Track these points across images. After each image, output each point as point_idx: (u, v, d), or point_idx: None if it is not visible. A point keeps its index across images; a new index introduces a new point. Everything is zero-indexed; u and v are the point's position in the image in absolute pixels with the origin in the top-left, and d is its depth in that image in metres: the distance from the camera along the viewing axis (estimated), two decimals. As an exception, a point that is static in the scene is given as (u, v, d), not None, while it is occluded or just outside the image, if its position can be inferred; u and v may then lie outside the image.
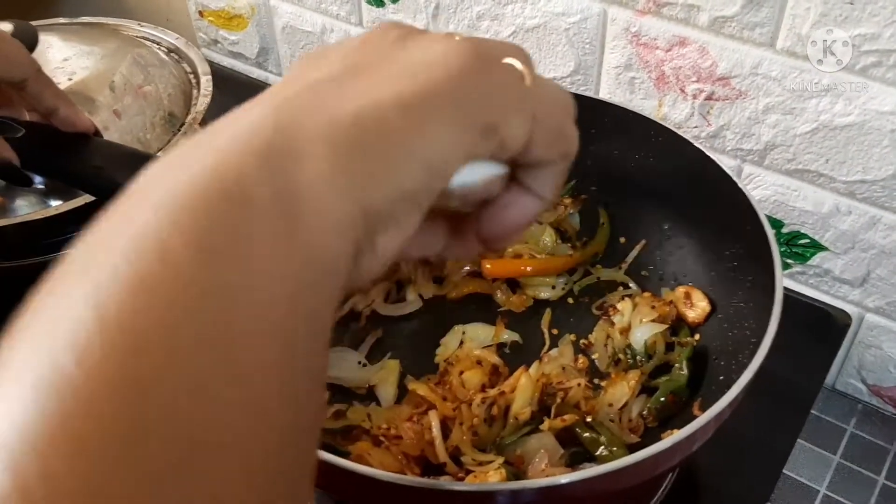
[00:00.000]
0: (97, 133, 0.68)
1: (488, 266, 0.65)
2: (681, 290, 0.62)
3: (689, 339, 0.59)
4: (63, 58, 0.83)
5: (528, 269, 0.66)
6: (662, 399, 0.56)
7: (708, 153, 0.62)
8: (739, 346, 0.54)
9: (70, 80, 0.80)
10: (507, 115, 0.29)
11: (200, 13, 1.05)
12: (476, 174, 0.30)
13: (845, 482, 0.75)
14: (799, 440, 0.78)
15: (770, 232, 0.54)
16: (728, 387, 0.48)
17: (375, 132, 0.26)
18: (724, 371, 0.55)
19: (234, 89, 1.02)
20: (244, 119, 0.25)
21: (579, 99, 0.67)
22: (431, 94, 0.27)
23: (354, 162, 0.25)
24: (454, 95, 0.27)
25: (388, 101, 0.26)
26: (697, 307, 0.61)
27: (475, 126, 0.28)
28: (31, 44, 0.79)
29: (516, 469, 0.52)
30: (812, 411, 0.81)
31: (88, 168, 0.61)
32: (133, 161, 0.62)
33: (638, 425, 0.56)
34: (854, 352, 0.79)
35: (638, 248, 0.67)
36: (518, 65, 0.30)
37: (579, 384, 0.57)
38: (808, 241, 0.75)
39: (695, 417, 0.46)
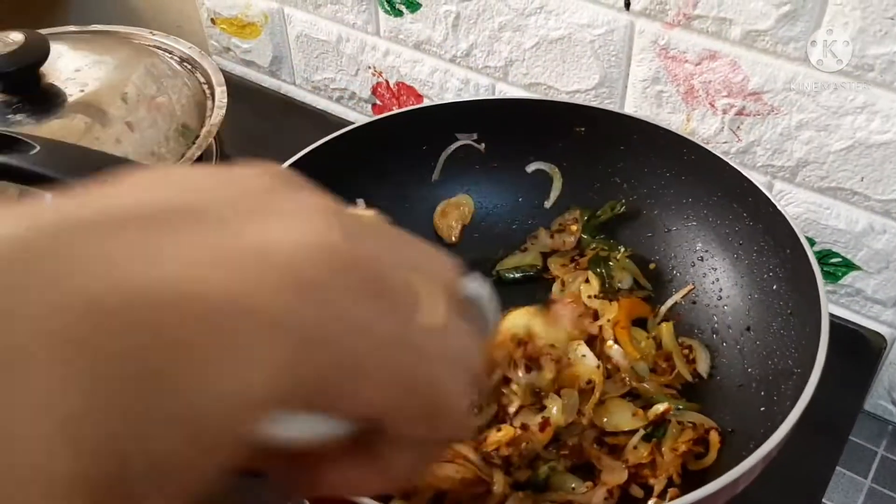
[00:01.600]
0: None
1: None
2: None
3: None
4: (75, 68, 0.81)
5: None
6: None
7: (742, 172, 0.60)
8: (781, 377, 0.52)
9: (82, 91, 0.78)
10: (357, 374, 0.21)
11: (213, 21, 1.03)
12: (298, 428, 0.22)
13: (877, 507, 0.73)
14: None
15: (812, 257, 0.52)
16: (773, 420, 0.46)
17: (152, 341, 0.18)
18: (765, 402, 0.53)
19: (246, 98, 1.00)
20: None
21: (608, 115, 0.66)
22: (255, 309, 0.19)
23: (98, 394, 0.17)
24: (287, 321, 0.19)
25: (195, 294, 0.18)
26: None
27: (300, 375, 0.20)
28: (42, 55, 0.77)
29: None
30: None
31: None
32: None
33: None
34: (885, 372, 0.77)
35: (682, 293, 0.64)
36: (424, 291, 0.22)
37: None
38: (839, 259, 0.73)
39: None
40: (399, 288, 0.22)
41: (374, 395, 0.21)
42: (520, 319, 0.54)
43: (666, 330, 0.61)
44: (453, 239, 0.70)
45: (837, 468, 0.75)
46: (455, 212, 0.71)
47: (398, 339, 0.21)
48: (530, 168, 0.69)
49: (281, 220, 0.21)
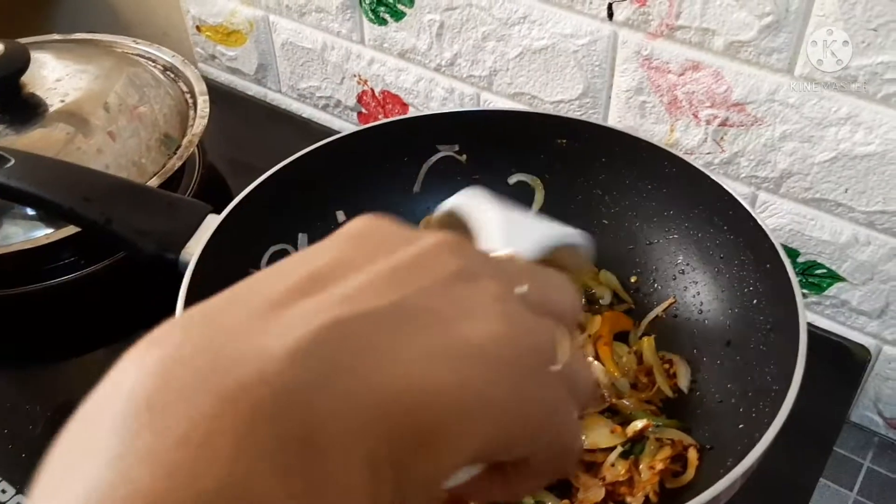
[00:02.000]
0: None
1: None
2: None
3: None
4: (56, 78, 0.80)
5: None
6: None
7: (724, 185, 0.59)
8: (760, 393, 0.52)
9: (62, 101, 0.77)
10: (532, 437, 0.25)
11: (198, 28, 1.02)
12: (466, 473, 0.26)
13: (863, 520, 0.73)
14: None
15: (792, 273, 0.52)
16: (751, 437, 0.46)
17: (430, 430, 0.22)
18: (743, 419, 0.52)
19: (231, 105, 1.00)
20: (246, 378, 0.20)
21: (589, 127, 0.66)
22: (478, 395, 0.23)
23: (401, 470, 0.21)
24: (494, 404, 0.23)
25: (437, 388, 0.22)
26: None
27: (495, 445, 0.24)
28: (22, 64, 0.77)
29: None
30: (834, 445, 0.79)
31: (76, 199, 0.59)
32: (119, 191, 0.60)
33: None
34: (871, 384, 0.77)
35: (663, 306, 0.63)
36: (559, 335, 0.26)
37: None
38: (824, 271, 0.72)
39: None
40: (549, 351, 0.26)
41: (532, 448, 0.26)
42: None
43: (647, 344, 0.60)
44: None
45: (823, 480, 0.75)
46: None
47: (554, 403, 0.26)
48: (512, 180, 0.69)
49: (475, 318, 0.24)
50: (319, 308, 0.22)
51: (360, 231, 0.26)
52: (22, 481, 0.59)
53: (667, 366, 0.59)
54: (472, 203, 0.42)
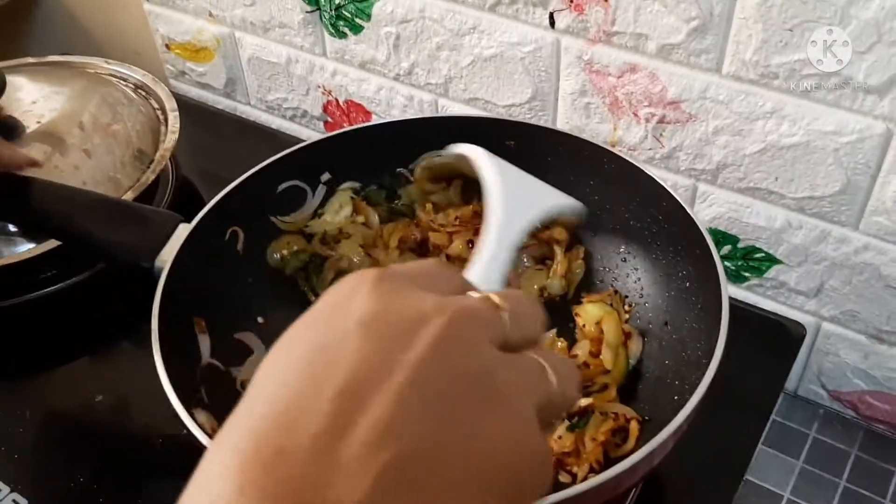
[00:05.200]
0: (36, 164, 0.70)
1: None
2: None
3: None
4: (32, 100, 0.84)
5: None
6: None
7: (658, 179, 0.64)
8: (691, 367, 0.57)
9: (38, 123, 0.81)
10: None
11: (167, 46, 1.07)
12: None
13: (808, 486, 0.78)
14: (764, 447, 0.81)
15: (717, 256, 0.56)
16: (682, 406, 0.50)
17: None
18: (678, 391, 0.57)
19: (203, 119, 1.04)
20: None
21: (536, 129, 0.70)
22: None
23: None
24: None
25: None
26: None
27: None
28: None
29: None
30: (776, 418, 0.84)
31: (57, 215, 0.63)
32: (96, 206, 0.64)
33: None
34: (813, 359, 0.82)
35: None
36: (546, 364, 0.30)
37: None
38: (763, 255, 0.77)
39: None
40: (547, 391, 0.30)
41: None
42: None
43: (612, 318, 0.64)
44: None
45: (771, 450, 0.80)
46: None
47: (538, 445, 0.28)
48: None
49: (496, 425, 0.26)
50: (370, 451, 0.23)
51: (370, 316, 0.27)
52: (16, 480, 0.63)
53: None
54: (480, 157, 0.54)
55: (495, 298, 0.30)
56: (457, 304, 0.28)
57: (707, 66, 0.69)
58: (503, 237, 0.50)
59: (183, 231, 0.62)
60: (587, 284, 0.70)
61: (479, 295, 0.31)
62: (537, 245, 0.71)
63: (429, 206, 0.73)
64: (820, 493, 0.77)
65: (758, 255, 0.78)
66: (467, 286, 0.32)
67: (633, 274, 0.67)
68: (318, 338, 0.27)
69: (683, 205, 0.61)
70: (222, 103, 1.08)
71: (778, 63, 0.66)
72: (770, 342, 0.74)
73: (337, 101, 0.97)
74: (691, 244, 0.60)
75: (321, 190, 0.73)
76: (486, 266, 0.46)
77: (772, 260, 0.77)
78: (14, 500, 0.62)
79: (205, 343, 0.59)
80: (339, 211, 0.73)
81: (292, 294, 0.69)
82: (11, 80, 0.84)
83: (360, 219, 0.73)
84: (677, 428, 0.48)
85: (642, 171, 0.65)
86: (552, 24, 0.75)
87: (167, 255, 0.60)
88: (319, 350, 0.26)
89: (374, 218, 0.73)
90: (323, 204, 0.73)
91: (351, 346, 0.26)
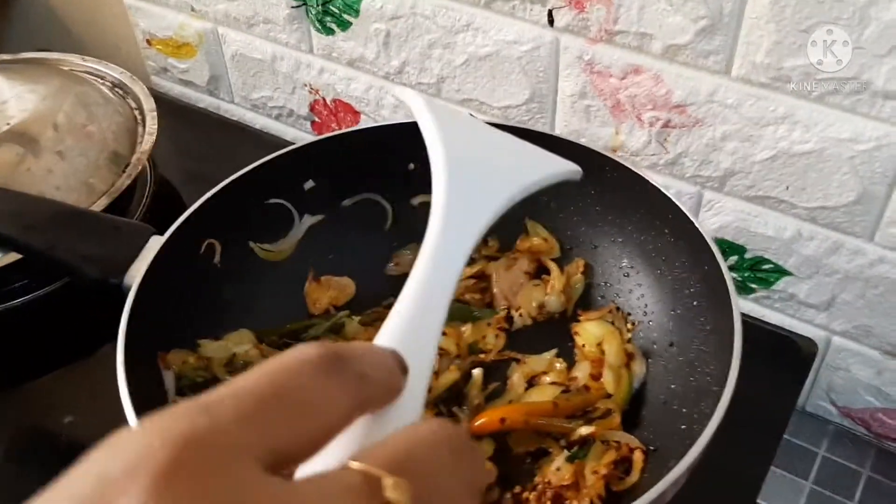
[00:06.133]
0: None
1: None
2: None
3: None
4: (3, 99, 0.80)
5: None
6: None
7: (663, 189, 0.60)
8: (701, 394, 0.53)
9: (8, 124, 0.77)
10: None
11: (148, 42, 1.02)
12: None
13: (818, 509, 0.74)
14: (771, 467, 0.77)
15: (728, 275, 0.53)
16: (691, 437, 0.47)
17: None
18: (686, 419, 0.53)
19: (185, 117, 1.00)
20: None
21: (532, 134, 0.67)
22: None
23: None
24: None
25: None
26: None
27: None
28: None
29: None
30: (783, 435, 0.80)
31: (18, 227, 0.58)
32: (62, 218, 0.60)
33: None
34: (823, 374, 0.78)
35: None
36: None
37: None
38: (771, 266, 0.74)
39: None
40: None
41: None
42: None
43: (615, 339, 0.61)
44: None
45: (778, 470, 0.77)
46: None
47: None
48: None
49: None
50: None
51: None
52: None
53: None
54: (421, 111, 0.40)
55: (385, 479, 0.20)
56: None
57: (715, 68, 0.65)
58: (449, 249, 0.34)
59: (155, 243, 0.58)
60: (587, 300, 0.66)
61: (357, 467, 0.21)
62: (528, 259, 0.66)
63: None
64: (831, 515, 0.74)
65: (766, 267, 0.74)
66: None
67: (637, 290, 0.63)
68: None
69: (691, 217, 0.57)
70: (205, 101, 1.04)
71: (791, 66, 0.62)
72: (780, 359, 0.70)
73: (324, 100, 0.92)
74: (699, 260, 0.57)
75: (307, 220, 0.69)
76: (412, 318, 0.30)
77: (781, 271, 0.74)
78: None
79: (169, 378, 0.55)
80: (241, 342, 0.63)
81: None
82: (-17, 78, 0.80)
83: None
84: (690, 464, 0.44)
85: (647, 180, 0.61)
86: (551, 21, 0.70)
87: (137, 270, 0.56)
88: None
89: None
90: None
91: None
